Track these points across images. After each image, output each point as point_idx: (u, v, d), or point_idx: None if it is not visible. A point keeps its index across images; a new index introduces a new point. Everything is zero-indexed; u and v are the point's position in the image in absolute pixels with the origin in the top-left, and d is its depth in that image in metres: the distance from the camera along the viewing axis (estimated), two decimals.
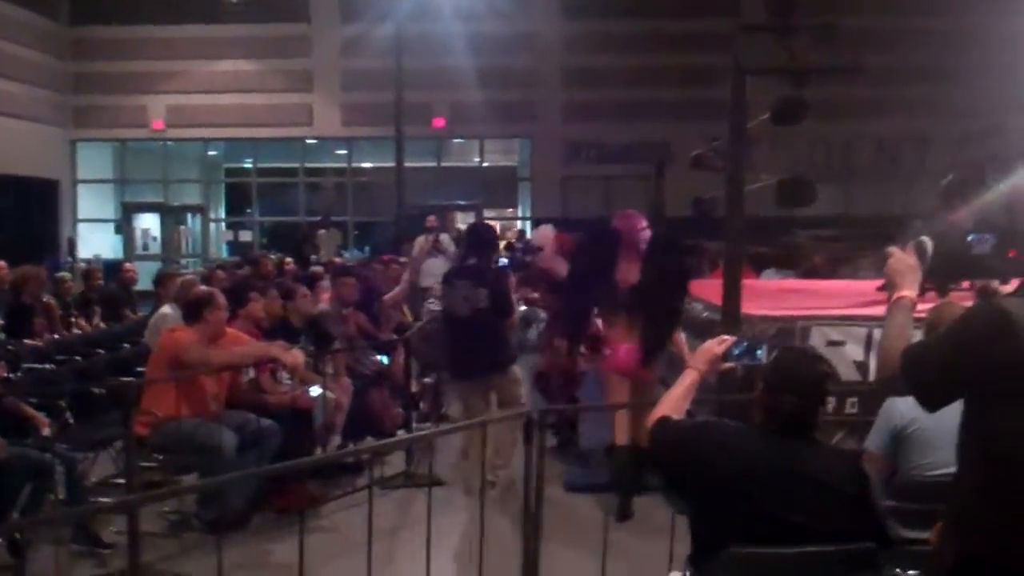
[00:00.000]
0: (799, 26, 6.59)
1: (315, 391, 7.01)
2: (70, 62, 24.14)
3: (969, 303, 3.33)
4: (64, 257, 22.22)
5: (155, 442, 6.20)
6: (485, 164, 25.73)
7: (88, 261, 20.42)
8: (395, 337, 9.16)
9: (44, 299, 9.71)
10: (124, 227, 25.01)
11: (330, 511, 6.63)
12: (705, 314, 7.55)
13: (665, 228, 8.30)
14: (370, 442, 7.63)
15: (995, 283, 5.74)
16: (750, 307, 6.68)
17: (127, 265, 12.79)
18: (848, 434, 5.96)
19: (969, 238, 6.30)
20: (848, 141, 22.47)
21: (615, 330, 6.92)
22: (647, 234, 7.04)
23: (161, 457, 6.31)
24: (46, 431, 6.05)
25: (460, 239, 16.22)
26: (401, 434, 7.99)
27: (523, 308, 10.79)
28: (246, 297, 7.35)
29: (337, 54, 23.86)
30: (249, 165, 25.97)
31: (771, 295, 8.12)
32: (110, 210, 25.23)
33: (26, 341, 8.70)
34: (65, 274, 12.10)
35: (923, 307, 3.88)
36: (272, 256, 14.30)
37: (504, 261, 13.04)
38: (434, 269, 12.18)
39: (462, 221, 24.13)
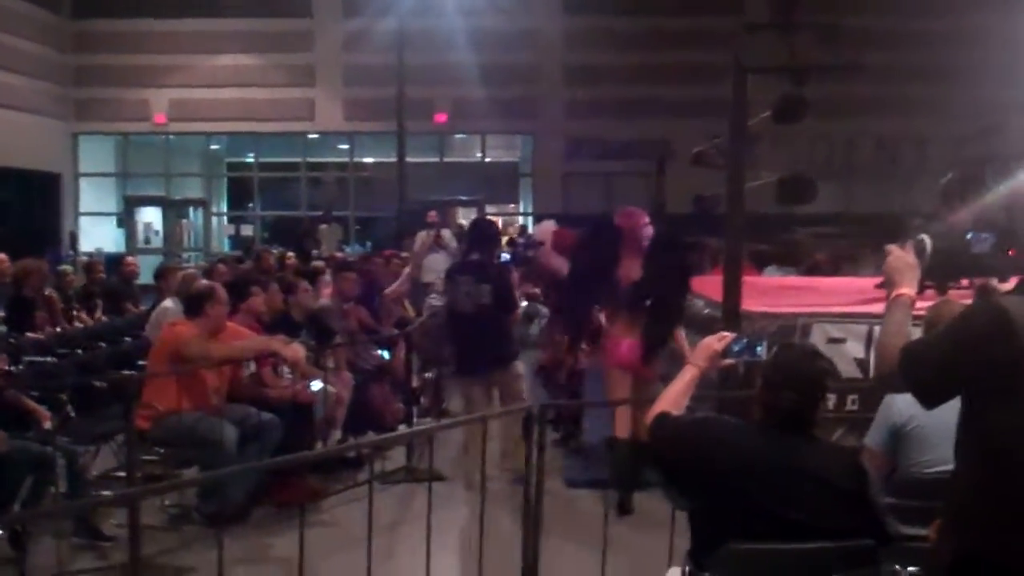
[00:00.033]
0: (801, 24, 6.60)
1: (316, 385, 7.03)
2: (72, 55, 24.13)
3: (968, 301, 3.34)
4: (66, 250, 22.22)
5: (156, 436, 6.21)
6: (487, 160, 25.73)
7: (90, 254, 20.43)
8: (396, 332, 9.18)
9: (46, 292, 9.71)
10: (126, 221, 25.00)
11: (331, 505, 6.65)
12: (706, 311, 7.57)
13: (666, 225, 8.30)
14: (371, 437, 7.65)
15: (994, 281, 5.74)
16: (751, 304, 6.70)
17: (128, 259, 12.79)
18: (848, 431, 5.98)
19: (968, 237, 6.31)
20: (849, 139, 22.45)
21: (617, 326, 6.94)
22: (649, 231, 7.06)
23: (162, 451, 6.33)
24: (47, 424, 6.06)
25: (462, 235, 16.25)
26: (402, 429, 8.01)
27: (524, 304, 10.81)
28: (247, 291, 7.36)
29: (339, 49, 23.84)
30: (251, 159, 25.98)
31: (772, 292, 8.13)
32: (112, 204, 25.24)
33: (28, 334, 8.71)
34: (67, 267, 12.10)
35: (922, 305, 3.89)
36: (273, 251, 14.31)
37: (506, 256, 13.04)
38: (435, 264, 12.19)
39: (464, 217, 24.15)
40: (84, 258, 18.88)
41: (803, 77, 6.65)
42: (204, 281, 7.63)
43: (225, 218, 27.21)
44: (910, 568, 3.65)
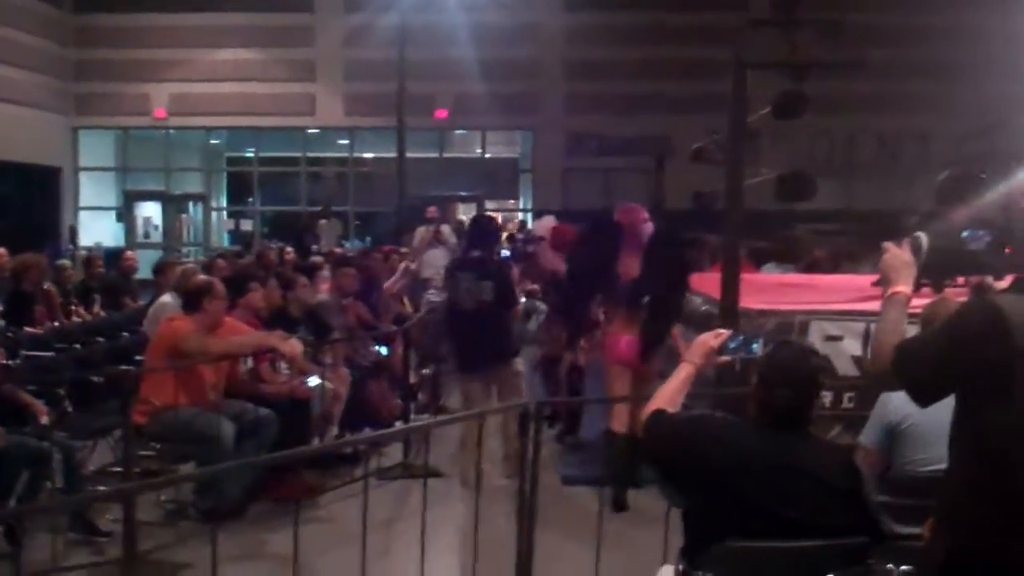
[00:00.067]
0: (803, 21, 6.58)
1: (313, 381, 7.02)
2: (73, 49, 24.11)
3: (965, 299, 3.33)
4: (65, 245, 22.22)
5: (153, 431, 6.21)
6: (487, 156, 25.72)
7: (89, 249, 20.42)
8: (394, 328, 9.18)
9: (45, 287, 9.71)
10: (125, 215, 24.99)
11: (327, 501, 6.64)
12: (704, 307, 7.55)
13: (665, 221, 8.29)
14: (368, 433, 7.65)
15: (990, 279, 5.73)
16: (749, 301, 6.67)
17: (127, 253, 12.78)
18: (845, 429, 5.97)
19: (964, 234, 6.30)
20: (850, 136, 22.43)
21: (615, 323, 6.94)
22: (649, 227, 7.06)
23: (159, 446, 6.32)
24: (44, 419, 6.05)
25: (461, 230, 16.24)
26: (399, 425, 8.00)
27: (523, 300, 10.80)
28: (245, 287, 7.35)
29: (340, 44, 23.83)
30: (251, 154, 25.97)
31: (770, 289, 8.11)
32: (112, 198, 25.23)
33: (26, 329, 8.71)
34: (65, 262, 12.09)
35: (919, 303, 3.88)
36: (272, 246, 14.30)
37: (506, 253, 13.04)
38: (434, 260, 12.21)
39: (464, 212, 24.14)
40: (83, 252, 18.88)
41: (803, 73, 6.63)
42: (202, 276, 7.62)
43: (225, 213, 27.19)
44: (904, 567, 3.64)
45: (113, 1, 23.76)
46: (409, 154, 21.12)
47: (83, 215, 24.71)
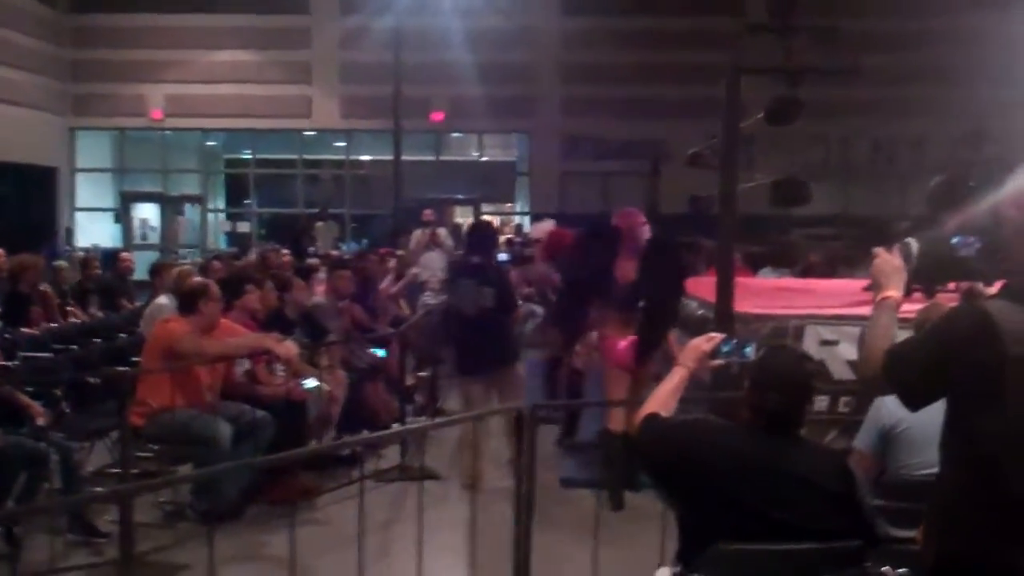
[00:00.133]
0: (799, 27, 6.61)
1: (310, 383, 7.04)
2: (69, 50, 24.08)
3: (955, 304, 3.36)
4: (62, 246, 22.20)
5: (150, 432, 6.23)
6: (483, 159, 25.73)
7: (86, 250, 20.40)
8: (391, 330, 9.19)
9: (41, 288, 9.72)
10: (122, 216, 24.97)
11: (324, 503, 6.66)
12: (700, 311, 7.58)
13: (660, 225, 8.32)
14: (365, 435, 7.66)
15: (980, 285, 5.76)
16: (744, 305, 6.70)
17: (124, 254, 12.79)
18: (841, 433, 5.98)
19: (954, 240, 6.32)
20: (845, 140, 22.48)
21: (611, 327, 6.97)
22: (646, 231, 7.10)
23: (156, 447, 6.34)
24: (41, 420, 6.06)
25: (458, 234, 16.27)
26: (396, 427, 8.02)
27: (520, 304, 10.84)
28: (242, 288, 7.37)
29: (336, 46, 23.83)
30: (248, 156, 25.96)
31: (766, 293, 8.14)
32: (109, 199, 25.19)
33: (23, 330, 8.73)
34: (62, 263, 12.10)
35: (909, 308, 3.91)
36: (267, 247, 14.29)
37: (503, 256, 13.07)
38: (431, 263, 12.21)
39: (460, 215, 24.17)
40: (80, 253, 18.87)
41: (798, 79, 6.66)
42: (198, 278, 7.65)
43: (222, 214, 27.18)
44: (900, 570, 3.67)
45: (109, 1, 23.75)
46: (405, 157, 21.13)
47: (80, 216, 24.70)
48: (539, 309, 10.17)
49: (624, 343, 6.80)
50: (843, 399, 6.21)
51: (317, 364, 7.39)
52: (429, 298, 11.17)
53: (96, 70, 23.92)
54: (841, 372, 6.25)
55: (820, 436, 5.95)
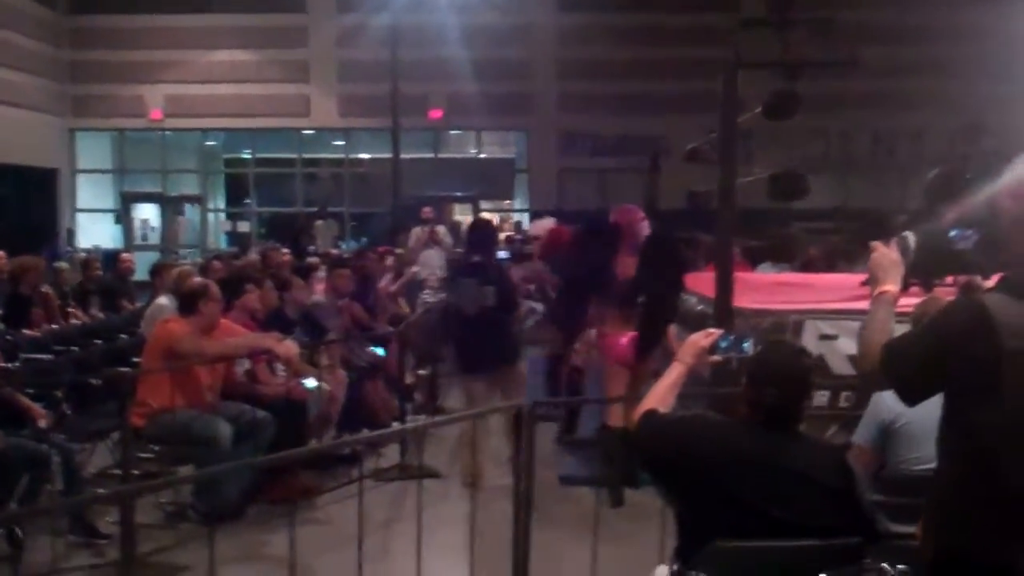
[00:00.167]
0: (797, 20, 6.60)
1: (310, 383, 7.04)
2: (68, 51, 24.09)
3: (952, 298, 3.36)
4: (63, 247, 22.20)
5: (151, 433, 6.24)
6: (482, 156, 25.72)
7: (88, 251, 20.42)
8: (390, 329, 9.19)
9: (42, 289, 9.72)
10: (123, 217, 24.97)
11: (325, 503, 6.67)
12: (699, 307, 7.57)
13: (659, 221, 8.32)
14: (365, 434, 7.66)
15: (978, 279, 5.75)
16: (743, 300, 6.68)
17: (124, 255, 12.79)
18: (842, 428, 5.97)
19: (952, 234, 6.32)
20: (845, 133, 22.48)
21: (611, 323, 6.97)
22: (645, 227, 7.10)
23: (157, 448, 6.35)
24: (43, 422, 6.07)
25: (457, 231, 16.27)
26: (396, 426, 8.02)
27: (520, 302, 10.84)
28: (241, 288, 7.38)
29: (333, 44, 23.84)
30: (247, 155, 25.96)
31: (765, 288, 8.12)
32: (109, 200, 25.22)
33: (24, 331, 8.73)
34: (63, 264, 12.11)
35: (907, 302, 3.91)
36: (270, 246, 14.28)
37: (503, 254, 13.07)
38: (430, 260, 12.24)
39: (459, 213, 24.15)
40: (82, 254, 18.87)
41: (795, 73, 6.64)
42: (198, 278, 7.65)
43: (222, 214, 27.18)
44: (900, 566, 3.67)
45: (108, 2, 23.75)
46: (404, 155, 21.13)
47: (81, 217, 24.71)
48: (539, 306, 10.17)
49: (625, 339, 6.80)
50: (843, 394, 6.19)
51: (317, 363, 7.39)
52: (428, 296, 11.17)
53: (95, 71, 23.94)
54: (841, 367, 6.23)
55: (820, 431, 5.94)
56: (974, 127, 18.09)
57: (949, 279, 6.50)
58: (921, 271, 6.05)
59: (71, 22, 24.16)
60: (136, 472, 5.96)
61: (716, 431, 3.16)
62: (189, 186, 25.98)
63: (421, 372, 9.45)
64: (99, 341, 8.99)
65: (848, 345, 6.28)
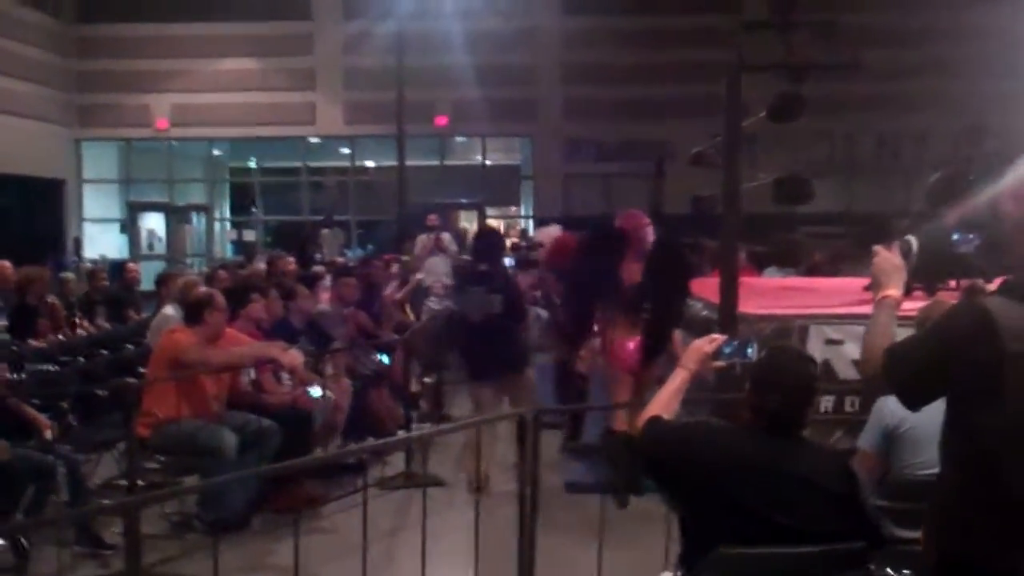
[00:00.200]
0: (800, 23, 6.60)
1: (316, 392, 7.04)
2: (74, 60, 24.16)
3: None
4: (70, 257, 22.25)
5: (157, 443, 6.24)
6: (487, 163, 25.75)
7: (94, 261, 20.45)
8: (396, 337, 9.19)
9: (49, 300, 9.73)
10: (129, 227, 25.01)
11: (331, 512, 6.65)
12: (704, 312, 7.56)
13: (664, 226, 8.32)
14: (370, 443, 7.66)
15: (981, 282, 5.73)
16: (748, 305, 6.68)
17: (130, 265, 12.81)
18: (847, 433, 5.96)
19: (954, 237, 6.31)
20: (849, 136, 22.45)
21: (617, 328, 6.96)
22: (650, 233, 7.10)
23: (163, 458, 6.35)
24: (48, 433, 6.07)
25: (463, 238, 16.27)
26: (401, 434, 8.02)
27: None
28: (247, 298, 7.38)
29: (339, 52, 23.86)
30: (253, 164, 25.99)
31: (770, 293, 8.12)
32: (116, 210, 25.26)
33: (30, 342, 8.74)
34: (69, 274, 12.13)
35: (910, 306, 3.90)
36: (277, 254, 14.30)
37: (509, 261, 13.07)
38: (435, 268, 12.23)
39: (465, 220, 24.16)
40: (89, 264, 18.91)
41: (800, 75, 6.64)
42: (203, 288, 7.65)
43: (228, 223, 27.23)
44: (904, 571, 3.66)
45: (114, 11, 23.82)
46: (409, 162, 21.11)
47: (87, 227, 24.77)
48: (544, 313, 10.16)
49: (631, 345, 6.80)
50: (849, 399, 6.19)
51: (322, 372, 7.39)
52: (434, 303, 11.17)
53: (101, 81, 24.01)
54: (846, 372, 6.23)
55: (826, 436, 5.94)
56: (976, 129, 18.02)
57: (952, 283, 6.49)
58: (923, 275, 6.04)
59: (77, 32, 24.24)
60: (141, 482, 5.95)
61: (719, 437, 3.15)
62: (195, 195, 26.04)
63: (426, 380, 9.44)
64: (105, 351, 9.00)
65: (854, 350, 6.26)
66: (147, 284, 11.93)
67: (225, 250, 25.91)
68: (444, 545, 5.17)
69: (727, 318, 6.31)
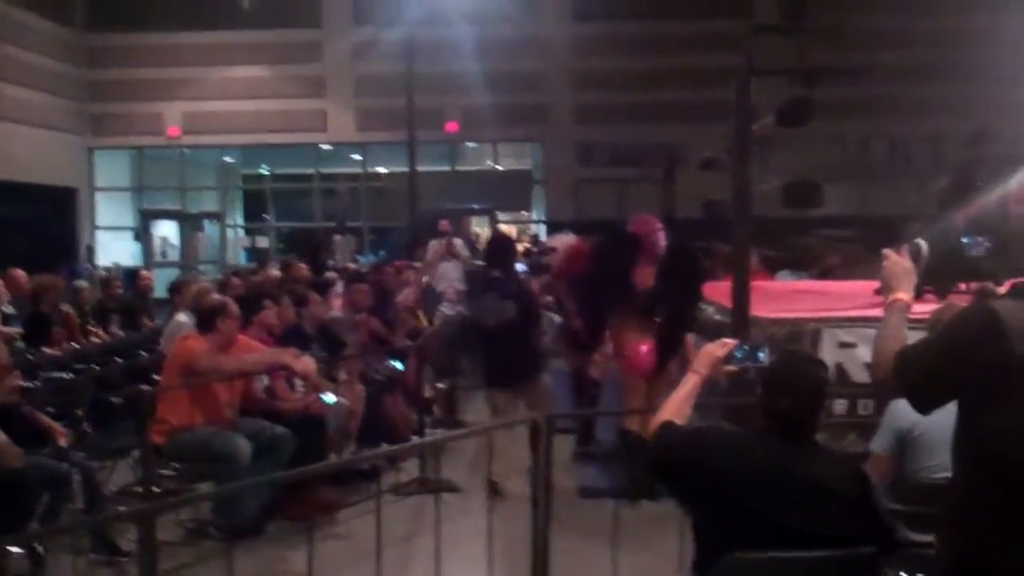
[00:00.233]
0: (810, 27, 6.60)
1: (329, 398, 7.05)
2: (86, 69, 24.23)
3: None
4: (83, 265, 22.33)
5: (171, 450, 6.26)
6: (499, 168, 25.74)
7: (108, 269, 20.53)
8: (409, 343, 9.20)
9: (62, 308, 9.78)
10: (142, 234, 25.09)
11: (345, 518, 6.65)
12: (717, 316, 7.57)
13: (676, 231, 8.32)
14: (384, 449, 7.67)
15: (991, 285, 5.72)
16: (761, 309, 6.68)
17: (143, 272, 12.89)
18: (860, 436, 5.95)
19: (964, 240, 6.29)
20: (862, 140, 22.38)
21: (630, 333, 6.97)
22: (663, 238, 7.11)
23: (178, 466, 6.37)
24: (63, 441, 6.10)
25: (475, 244, 16.29)
26: (415, 440, 8.03)
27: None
28: (259, 304, 7.40)
29: (349, 59, 23.88)
30: (265, 171, 26.06)
31: (783, 297, 8.13)
32: (128, 218, 25.34)
33: (45, 350, 8.79)
34: (82, 282, 12.19)
35: (921, 309, 3.89)
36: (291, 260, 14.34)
37: (522, 266, 13.07)
38: (448, 273, 12.26)
39: (477, 225, 24.18)
40: (102, 272, 18.99)
41: (811, 80, 6.65)
42: (216, 296, 7.69)
43: (240, 230, 27.32)
44: (917, 575, 3.64)
45: (124, 20, 23.91)
46: (421, 168, 21.15)
47: (101, 235, 24.84)
48: (557, 318, 10.17)
49: (645, 348, 6.80)
50: (862, 402, 6.18)
51: (335, 378, 7.40)
52: (447, 308, 11.19)
53: (113, 90, 24.08)
54: (860, 375, 6.22)
55: (839, 440, 5.94)
56: (982, 132, 17.97)
57: (962, 286, 6.47)
58: (934, 278, 6.03)
59: (88, 41, 24.32)
60: (156, 490, 5.97)
61: (731, 442, 3.15)
62: (208, 203, 26.12)
63: (440, 385, 9.45)
64: (119, 359, 9.02)
65: (867, 353, 6.23)
66: (160, 291, 11.98)
67: (238, 257, 25.97)
68: (458, 550, 5.18)
69: (739, 322, 6.31)
